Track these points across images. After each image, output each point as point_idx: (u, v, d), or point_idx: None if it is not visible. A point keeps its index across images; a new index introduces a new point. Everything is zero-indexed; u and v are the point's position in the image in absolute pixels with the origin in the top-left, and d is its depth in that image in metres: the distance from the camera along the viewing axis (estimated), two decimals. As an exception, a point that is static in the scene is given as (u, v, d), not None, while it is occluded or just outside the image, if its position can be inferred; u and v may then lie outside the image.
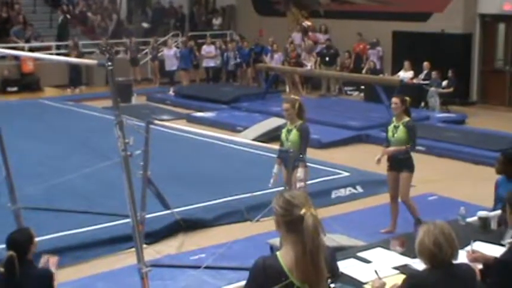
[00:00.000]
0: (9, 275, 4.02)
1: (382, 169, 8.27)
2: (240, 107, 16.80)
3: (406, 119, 7.90)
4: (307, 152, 7.78)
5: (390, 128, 7.97)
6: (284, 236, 3.03)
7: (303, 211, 2.92)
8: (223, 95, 18.02)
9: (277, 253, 3.04)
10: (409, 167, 7.91)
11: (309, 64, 19.80)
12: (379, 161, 8.12)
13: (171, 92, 19.24)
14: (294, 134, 7.55)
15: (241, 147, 11.85)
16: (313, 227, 2.90)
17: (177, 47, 21.47)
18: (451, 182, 10.37)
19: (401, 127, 7.84)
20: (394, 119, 8.00)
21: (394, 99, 7.98)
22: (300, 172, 7.44)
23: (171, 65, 20.33)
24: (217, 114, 16.07)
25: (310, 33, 20.93)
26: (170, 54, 20.24)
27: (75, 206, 8.46)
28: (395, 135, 7.86)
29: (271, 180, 7.66)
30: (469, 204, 7.52)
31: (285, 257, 2.98)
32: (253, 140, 12.14)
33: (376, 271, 3.82)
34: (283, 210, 2.99)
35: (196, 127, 14.14)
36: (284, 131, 7.73)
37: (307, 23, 21.15)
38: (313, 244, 2.90)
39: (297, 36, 21.06)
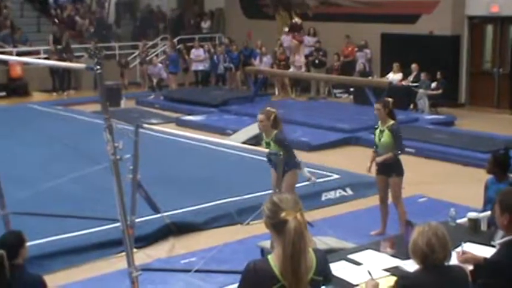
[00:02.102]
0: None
1: (372, 171, 8.28)
2: (229, 110, 16.80)
3: (391, 122, 7.87)
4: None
5: (377, 132, 7.98)
6: (274, 237, 3.06)
7: (284, 214, 2.97)
8: (212, 98, 18.01)
9: (268, 256, 3.06)
10: (398, 171, 7.90)
11: (292, 67, 19.84)
12: (369, 169, 8.15)
13: (152, 97, 19.21)
14: (273, 147, 7.48)
15: (231, 150, 11.84)
16: (294, 232, 2.94)
17: (164, 52, 21.40)
18: (441, 184, 10.40)
19: (386, 131, 7.83)
20: (379, 123, 7.99)
21: (376, 105, 7.97)
22: (305, 172, 7.53)
23: (157, 76, 20.11)
24: (207, 118, 16.05)
25: (296, 33, 20.95)
26: (155, 70, 20.03)
27: (65, 211, 8.43)
28: (382, 139, 7.87)
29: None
30: (459, 205, 7.55)
31: (276, 260, 3.00)
32: (243, 143, 12.14)
33: (369, 271, 3.81)
34: (270, 213, 3.04)
35: (186, 130, 14.15)
36: (263, 143, 7.67)
37: (296, 20, 21.19)
38: (293, 248, 2.93)
39: (286, 39, 21.08)
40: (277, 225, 3.00)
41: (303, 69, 19.73)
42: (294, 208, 3.00)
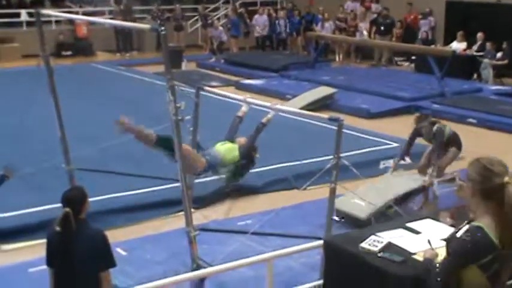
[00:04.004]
0: (65, 232, 4.09)
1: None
2: (289, 75, 16.76)
3: None
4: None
5: None
6: (479, 204, 2.92)
7: (506, 179, 2.82)
8: (272, 63, 17.99)
9: (481, 225, 2.91)
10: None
11: (364, 32, 19.61)
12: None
13: (213, 60, 19.34)
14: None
15: (290, 115, 11.80)
16: None
17: (226, 16, 21.49)
18: (503, 156, 10.05)
19: None
20: None
21: None
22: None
23: (218, 39, 20.11)
24: (266, 82, 16.06)
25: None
26: (216, 33, 20.05)
27: (126, 169, 8.60)
28: None
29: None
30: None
31: (491, 228, 2.88)
32: (302, 108, 12.09)
33: (429, 241, 3.76)
34: (482, 178, 2.88)
35: (245, 94, 14.16)
36: None
37: None
38: None
39: (350, 5, 20.85)
40: (488, 191, 2.83)
41: (365, 35, 19.50)
42: (508, 172, 2.85)
